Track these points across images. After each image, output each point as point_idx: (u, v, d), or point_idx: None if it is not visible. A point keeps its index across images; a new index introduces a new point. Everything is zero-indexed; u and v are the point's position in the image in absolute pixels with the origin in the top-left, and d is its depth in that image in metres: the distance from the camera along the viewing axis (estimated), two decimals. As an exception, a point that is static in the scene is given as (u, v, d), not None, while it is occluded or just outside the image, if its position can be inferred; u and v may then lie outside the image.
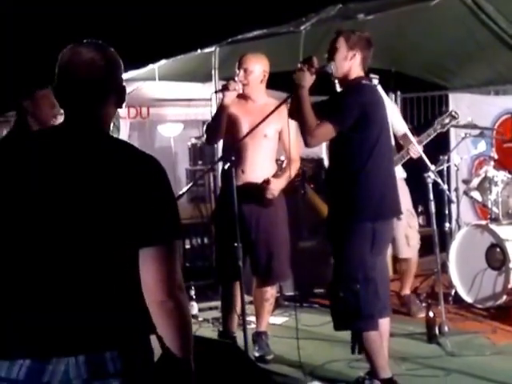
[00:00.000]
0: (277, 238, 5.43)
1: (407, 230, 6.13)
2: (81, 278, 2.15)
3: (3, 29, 9.96)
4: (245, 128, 5.24)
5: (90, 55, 2.25)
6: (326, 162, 6.61)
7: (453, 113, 5.94)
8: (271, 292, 5.54)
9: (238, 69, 5.39)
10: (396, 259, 6.57)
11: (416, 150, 5.80)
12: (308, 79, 4.44)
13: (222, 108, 5.34)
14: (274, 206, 5.38)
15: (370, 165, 4.40)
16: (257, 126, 4.86)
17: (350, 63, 4.48)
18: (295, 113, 4.57)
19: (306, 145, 4.56)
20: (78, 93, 2.26)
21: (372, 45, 4.57)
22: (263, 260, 5.42)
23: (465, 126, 6.99)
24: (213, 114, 5.68)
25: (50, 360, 2.11)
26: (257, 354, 5.38)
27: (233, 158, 4.69)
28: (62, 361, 2.11)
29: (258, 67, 5.37)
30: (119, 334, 2.17)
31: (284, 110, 4.87)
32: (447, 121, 5.94)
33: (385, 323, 4.62)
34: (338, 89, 4.78)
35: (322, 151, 6.71)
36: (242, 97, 5.41)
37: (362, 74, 4.55)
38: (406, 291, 6.50)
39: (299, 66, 4.47)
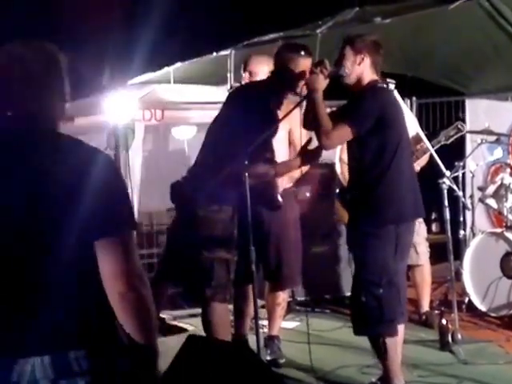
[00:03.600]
0: (287, 243, 5.41)
1: (414, 237, 6.08)
2: (42, 278, 2.14)
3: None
4: None
5: (19, 52, 2.24)
6: (338, 167, 6.57)
7: (459, 125, 5.89)
8: (283, 296, 5.52)
9: (244, 71, 5.37)
10: (408, 268, 6.52)
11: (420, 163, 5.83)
12: (322, 82, 4.46)
13: None
14: (284, 211, 5.33)
15: (392, 168, 4.42)
16: (273, 131, 4.84)
17: (361, 67, 4.49)
18: (310, 121, 4.57)
19: (323, 147, 4.58)
20: (14, 92, 2.24)
21: (380, 47, 4.58)
22: (273, 265, 5.41)
23: (481, 132, 6.95)
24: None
25: (17, 360, 2.12)
26: (269, 358, 5.37)
27: (246, 163, 4.65)
28: (29, 361, 2.12)
29: (263, 69, 5.31)
30: (84, 333, 2.17)
31: (294, 110, 4.85)
32: (452, 133, 5.88)
33: (400, 329, 4.61)
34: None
35: (335, 156, 6.66)
36: None
37: (375, 77, 4.55)
38: (426, 307, 6.38)
39: (312, 69, 4.47)
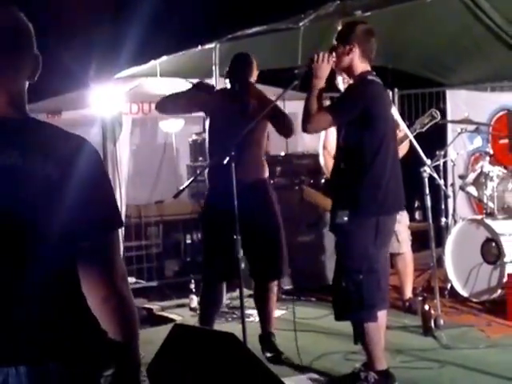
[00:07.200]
0: (275, 233, 5.36)
1: (396, 225, 6.17)
2: (18, 282, 1.92)
3: None
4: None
5: None
6: (321, 159, 6.64)
7: (433, 113, 5.95)
8: (275, 289, 5.49)
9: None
10: (391, 256, 6.62)
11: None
12: (326, 71, 4.49)
13: None
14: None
15: (376, 161, 4.45)
16: (254, 122, 4.89)
17: (349, 57, 4.50)
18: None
19: (303, 130, 4.57)
20: None
21: (373, 35, 4.57)
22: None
23: (461, 122, 7.07)
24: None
25: None
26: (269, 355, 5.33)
27: (233, 153, 4.69)
28: (1, 371, 1.90)
29: None
30: (64, 345, 1.97)
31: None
32: (427, 121, 5.95)
33: (382, 315, 4.67)
34: (339, 82, 5.02)
35: (319, 147, 6.75)
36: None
37: (366, 67, 4.55)
38: (409, 294, 6.48)
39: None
